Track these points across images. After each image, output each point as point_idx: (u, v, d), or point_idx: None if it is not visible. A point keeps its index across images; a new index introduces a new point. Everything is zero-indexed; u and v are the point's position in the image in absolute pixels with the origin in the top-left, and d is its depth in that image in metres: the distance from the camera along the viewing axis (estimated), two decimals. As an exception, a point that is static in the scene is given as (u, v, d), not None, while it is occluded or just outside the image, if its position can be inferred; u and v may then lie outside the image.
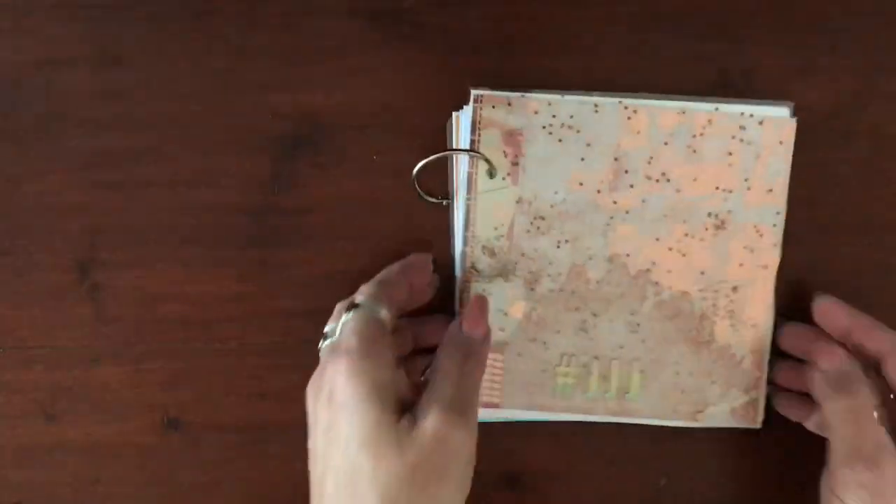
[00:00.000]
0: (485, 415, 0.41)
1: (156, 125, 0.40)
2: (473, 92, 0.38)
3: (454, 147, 0.40)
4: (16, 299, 0.41)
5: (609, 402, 0.41)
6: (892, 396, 0.37)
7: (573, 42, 0.39)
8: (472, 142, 0.39)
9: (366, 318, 0.35)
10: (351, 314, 0.35)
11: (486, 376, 0.39)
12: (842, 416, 0.36)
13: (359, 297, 0.36)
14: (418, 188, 0.40)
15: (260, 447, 0.42)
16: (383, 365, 0.33)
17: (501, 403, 0.41)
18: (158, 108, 0.40)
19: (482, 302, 0.38)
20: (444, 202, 0.40)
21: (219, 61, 0.40)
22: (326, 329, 0.36)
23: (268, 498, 0.42)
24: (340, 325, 0.35)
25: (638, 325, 0.41)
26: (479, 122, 0.39)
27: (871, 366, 0.38)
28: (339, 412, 0.32)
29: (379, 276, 0.38)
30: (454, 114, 0.39)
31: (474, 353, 0.36)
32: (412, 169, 0.39)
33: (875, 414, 0.36)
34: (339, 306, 0.37)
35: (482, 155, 0.39)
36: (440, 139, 0.40)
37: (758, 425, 0.41)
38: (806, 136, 0.40)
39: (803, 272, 0.40)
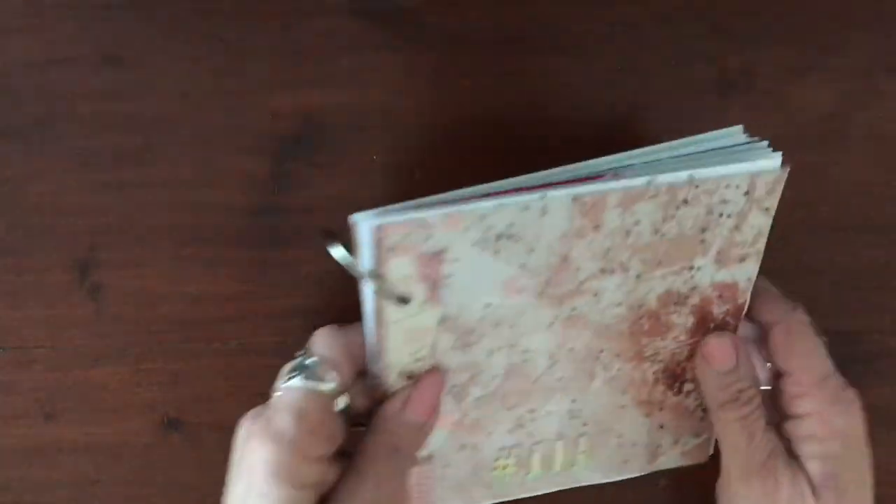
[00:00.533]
0: None
1: (156, 125, 0.40)
2: (373, 222, 0.29)
3: (357, 266, 0.31)
4: (15, 299, 0.41)
5: (553, 478, 0.39)
6: (767, 365, 0.37)
7: (573, 42, 0.39)
8: (377, 275, 0.31)
9: (306, 396, 0.31)
10: (293, 382, 0.31)
11: (412, 491, 0.36)
12: (732, 426, 0.35)
13: (310, 356, 0.32)
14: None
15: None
16: (312, 462, 0.31)
17: None
18: (158, 108, 0.40)
19: (436, 381, 0.33)
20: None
21: (219, 61, 0.40)
22: (278, 381, 0.32)
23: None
24: (281, 390, 0.32)
25: (585, 403, 0.37)
26: (383, 255, 0.30)
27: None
28: (252, 499, 0.30)
29: (344, 330, 0.33)
30: (363, 223, 0.30)
31: (408, 445, 0.32)
32: (412, 169, 0.39)
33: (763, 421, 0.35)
34: (286, 367, 0.33)
35: (388, 292, 0.31)
36: (440, 139, 0.40)
37: (706, 459, 0.41)
38: (806, 137, 0.40)
39: (803, 272, 0.40)
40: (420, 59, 0.40)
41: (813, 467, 0.34)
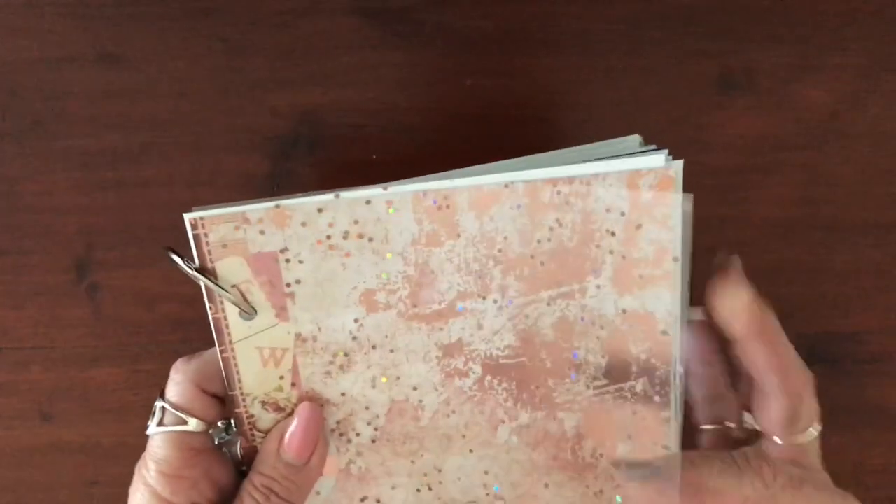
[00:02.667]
0: None
1: (155, 125, 0.40)
2: (189, 216, 0.28)
3: (191, 268, 0.29)
4: (13, 299, 0.40)
5: None
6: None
7: (573, 41, 0.39)
8: (204, 277, 0.29)
9: (166, 442, 0.29)
10: (150, 428, 0.30)
11: None
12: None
13: (169, 389, 0.30)
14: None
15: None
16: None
17: None
18: (158, 107, 0.40)
19: (314, 417, 0.30)
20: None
21: (219, 61, 0.39)
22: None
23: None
24: (148, 431, 0.30)
25: (494, 458, 0.32)
26: (209, 252, 0.28)
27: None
28: None
29: (195, 360, 0.31)
30: (186, 217, 0.29)
31: (286, 490, 0.29)
32: (412, 169, 0.39)
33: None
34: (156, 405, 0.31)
35: (227, 296, 0.28)
36: (440, 139, 0.40)
37: None
38: (806, 136, 0.40)
39: (804, 272, 0.40)
40: (420, 58, 0.39)
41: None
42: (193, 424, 0.30)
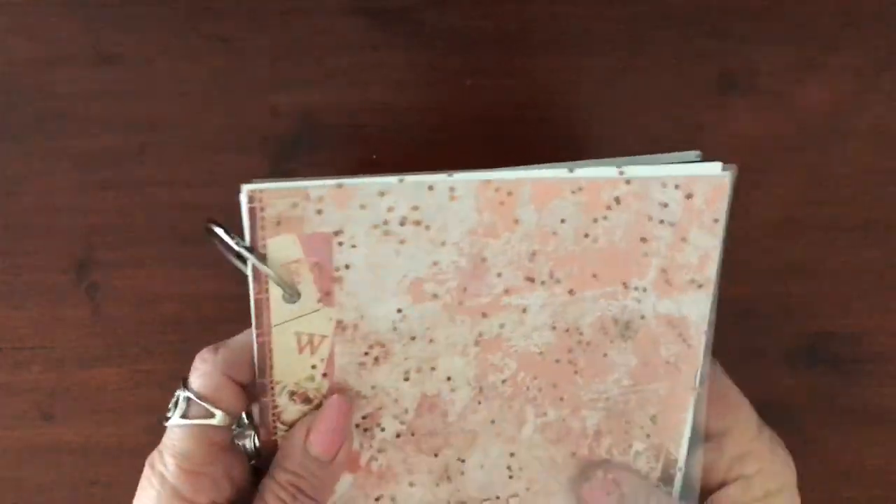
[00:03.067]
0: None
1: (155, 125, 0.40)
2: (247, 187, 0.27)
3: (238, 243, 0.28)
4: (13, 299, 0.40)
5: None
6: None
7: (573, 41, 0.39)
8: (251, 256, 0.28)
9: (188, 435, 0.28)
10: (173, 420, 0.29)
11: None
12: None
13: (194, 379, 0.29)
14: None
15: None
16: None
17: None
18: (158, 108, 0.40)
19: (344, 409, 0.29)
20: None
21: (219, 61, 0.39)
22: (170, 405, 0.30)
23: (267, 499, 0.42)
24: (169, 423, 0.29)
25: (515, 455, 0.32)
26: (263, 228, 0.27)
27: None
28: None
29: (223, 348, 0.30)
30: (243, 188, 0.28)
31: (311, 487, 0.28)
32: (412, 168, 0.39)
33: None
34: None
35: (273, 276, 0.27)
36: (440, 139, 0.40)
37: None
38: (806, 136, 0.40)
39: (804, 272, 0.40)
40: (420, 58, 0.39)
41: None
42: (219, 418, 0.28)
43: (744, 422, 0.32)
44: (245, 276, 0.29)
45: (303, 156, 0.40)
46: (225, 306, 0.41)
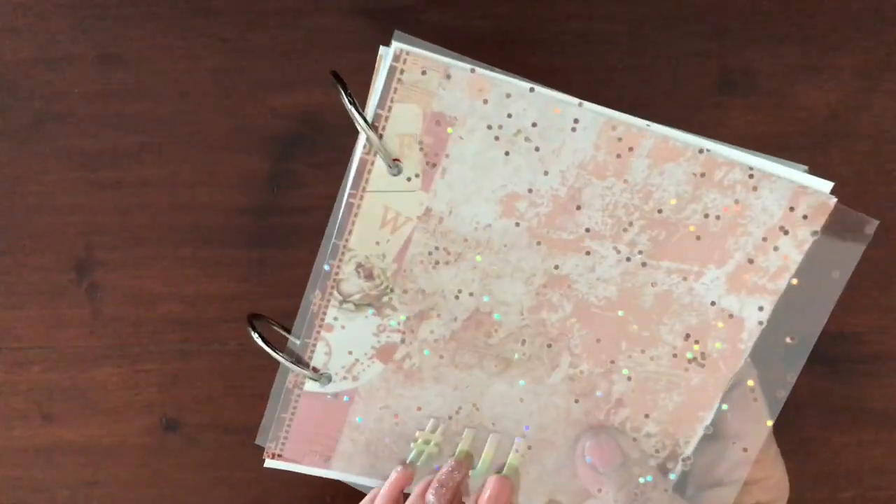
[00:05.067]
0: (304, 470, 0.33)
1: (155, 125, 0.40)
2: (396, 45, 0.27)
3: (360, 112, 0.28)
4: (13, 299, 0.40)
5: (473, 480, 0.33)
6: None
7: (573, 42, 0.39)
8: (378, 117, 0.28)
9: None
10: None
11: (318, 429, 0.32)
12: None
13: None
14: None
15: (259, 448, 0.42)
16: None
17: (332, 464, 0.33)
18: (158, 107, 0.40)
19: (507, 490, 0.29)
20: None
21: (219, 61, 0.39)
22: None
23: (266, 499, 0.42)
24: None
25: (536, 396, 0.32)
26: (395, 91, 0.27)
27: None
28: None
29: None
30: (381, 49, 0.28)
31: None
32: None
33: None
34: None
35: (381, 149, 0.28)
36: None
37: None
38: (806, 136, 0.40)
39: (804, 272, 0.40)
40: (420, 59, 0.40)
41: None
42: None
43: (757, 432, 0.32)
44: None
45: (303, 156, 0.40)
46: (224, 306, 0.41)
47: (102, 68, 0.39)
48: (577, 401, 0.32)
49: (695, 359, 0.31)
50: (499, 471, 0.32)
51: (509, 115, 0.28)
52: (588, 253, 0.30)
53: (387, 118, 0.28)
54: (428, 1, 0.39)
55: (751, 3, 0.39)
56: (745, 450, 0.32)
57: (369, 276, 0.30)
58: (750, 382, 0.32)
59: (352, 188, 0.29)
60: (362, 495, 0.33)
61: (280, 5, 0.39)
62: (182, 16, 0.39)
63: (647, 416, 0.32)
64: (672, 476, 0.33)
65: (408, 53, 0.27)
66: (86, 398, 0.41)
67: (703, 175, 0.29)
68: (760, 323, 0.31)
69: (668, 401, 0.32)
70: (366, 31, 0.39)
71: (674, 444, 0.32)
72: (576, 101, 0.28)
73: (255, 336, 0.30)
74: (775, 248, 0.30)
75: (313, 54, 0.39)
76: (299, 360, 0.31)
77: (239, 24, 0.39)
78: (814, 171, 0.39)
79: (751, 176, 0.29)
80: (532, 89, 0.28)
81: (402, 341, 0.31)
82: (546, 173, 0.29)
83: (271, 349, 0.30)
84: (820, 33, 0.40)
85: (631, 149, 0.29)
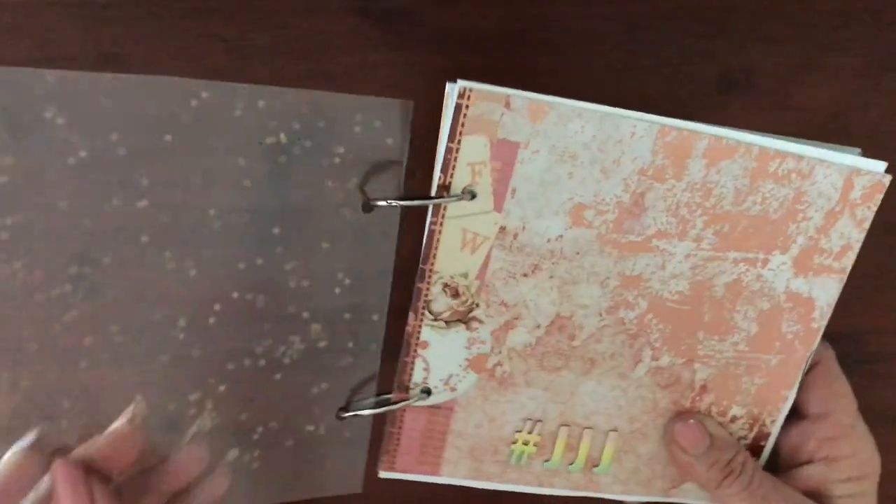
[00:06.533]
0: (416, 478, 0.36)
1: (155, 125, 0.40)
2: (460, 84, 0.30)
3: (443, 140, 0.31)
4: (14, 299, 0.40)
5: (572, 475, 0.36)
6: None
7: (573, 42, 0.39)
8: (449, 150, 0.31)
9: None
10: None
11: (424, 439, 0.35)
12: (740, 501, 0.34)
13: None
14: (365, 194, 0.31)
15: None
16: None
17: (441, 470, 0.36)
18: (158, 107, 0.40)
19: (69, 474, 0.28)
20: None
21: (219, 61, 0.39)
22: None
23: (267, 499, 0.42)
24: None
25: (624, 391, 0.35)
26: (463, 125, 0.30)
27: None
28: None
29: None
30: (448, 87, 0.31)
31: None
32: (412, 169, 0.39)
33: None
34: None
35: (452, 200, 0.31)
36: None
37: None
38: (806, 136, 0.40)
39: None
40: (420, 58, 0.39)
41: None
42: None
43: (843, 409, 0.34)
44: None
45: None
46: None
47: (103, 68, 0.39)
48: (662, 391, 0.35)
49: (772, 345, 0.34)
50: (595, 465, 0.35)
51: (569, 134, 0.30)
52: (657, 252, 0.33)
53: (457, 150, 0.30)
54: (428, 1, 0.39)
55: (751, 3, 0.39)
56: (830, 427, 0.34)
57: (455, 295, 0.33)
58: (825, 360, 0.34)
59: (432, 216, 0.31)
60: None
61: (280, 5, 0.39)
62: (182, 16, 0.39)
63: (731, 399, 0.35)
64: (765, 454, 0.35)
65: (471, 90, 0.30)
66: (87, 398, 0.41)
67: (756, 168, 0.32)
68: (831, 303, 0.34)
69: (749, 384, 0.35)
70: (366, 31, 0.39)
71: (760, 425, 0.35)
72: (629, 112, 0.31)
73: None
74: (836, 230, 0.32)
75: (313, 54, 0.39)
76: (403, 385, 0.35)
77: (239, 24, 0.39)
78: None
79: (804, 163, 0.31)
80: (590, 108, 0.31)
81: (492, 351, 0.34)
82: (609, 182, 0.31)
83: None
84: (820, 33, 0.40)
85: (687, 151, 0.31)
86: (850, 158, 0.32)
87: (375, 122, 0.30)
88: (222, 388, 0.31)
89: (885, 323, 0.41)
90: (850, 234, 0.33)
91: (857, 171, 0.32)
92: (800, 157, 0.31)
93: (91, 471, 0.29)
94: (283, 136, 0.29)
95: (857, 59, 0.40)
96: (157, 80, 0.27)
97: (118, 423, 0.32)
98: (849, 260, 0.33)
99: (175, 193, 0.27)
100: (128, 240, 0.28)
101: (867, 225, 0.32)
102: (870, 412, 0.38)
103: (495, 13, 0.39)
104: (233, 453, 0.33)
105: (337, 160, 0.30)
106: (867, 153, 0.40)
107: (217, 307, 0.30)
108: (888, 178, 0.32)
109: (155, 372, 0.31)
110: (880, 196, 0.32)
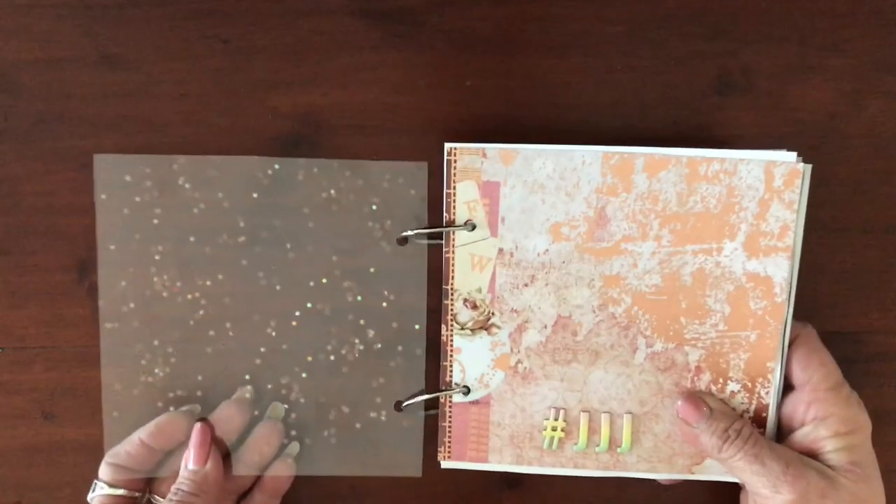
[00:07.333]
0: (470, 466, 0.41)
1: (155, 125, 0.40)
2: (447, 145, 0.38)
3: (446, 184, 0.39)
4: (15, 299, 0.41)
5: (600, 456, 0.40)
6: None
7: (573, 42, 0.40)
8: (448, 195, 0.39)
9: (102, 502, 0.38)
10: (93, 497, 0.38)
11: (471, 430, 0.40)
12: (740, 463, 0.37)
13: (101, 472, 0.39)
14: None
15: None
16: None
17: (488, 458, 0.41)
18: (158, 107, 0.40)
19: (202, 432, 0.39)
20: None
21: (219, 61, 0.40)
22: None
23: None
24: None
25: (629, 377, 0.40)
26: (454, 175, 0.38)
27: None
28: None
29: (116, 449, 0.39)
30: (447, 146, 0.38)
31: (202, 492, 0.37)
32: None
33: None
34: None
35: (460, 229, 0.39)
36: (440, 139, 0.40)
37: None
38: (806, 137, 0.40)
39: (804, 272, 0.40)
40: (420, 58, 0.40)
41: (839, 458, 0.36)
42: (123, 491, 0.39)
43: (823, 375, 0.37)
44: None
45: (303, 156, 0.40)
46: (225, 306, 0.41)
47: (103, 69, 0.40)
48: (663, 374, 0.40)
49: (746, 322, 0.39)
50: (619, 446, 0.40)
51: (535, 170, 0.38)
52: (627, 253, 0.39)
53: (454, 193, 0.39)
54: (428, 2, 0.39)
55: (750, 4, 0.39)
56: (811, 392, 0.37)
57: (474, 307, 0.40)
58: (804, 335, 0.38)
59: (445, 246, 0.39)
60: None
61: (280, 5, 0.39)
62: (182, 16, 0.39)
63: (725, 376, 0.39)
64: (770, 425, 0.39)
65: (455, 148, 0.38)
66: (87, 397, 0.41)
67: (689, 173, 0.38)
68: (786, 277, 0.38)
69: (737, 360, 0.39)
70: (366, 31, 0.39)
71: (758, 397, 0.39)
72: (578, 147, 0.38)
73: None
74: (771, 214, 0.38)
75: (313, 54, 0.39)
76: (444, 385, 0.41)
77: (239, 24, 0.39)
78: (813, 170, 0.40)
79: (728, 164, 0.37)
80: (546, 149, 0.38)
81: (512, 351, 0.40)
82: (574, 203, 0.38)
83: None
84: (819, 33, 0.40)
85: (629, 168, 0.38)
86: (765, 154, 0.37)
87: (399, 178, 0.40)
88: (304, 375, 0.41)
89: (885, 323, 0.41)
90: (785, 216, 0.37)
91: (773, 163, 0.37)
92: (723, 159, 0.37)
93: (213, 435, 0.39)
94: (333, 192, 0.40)
95: (856, 60, 0.40)
96: (243, 158, 0.39)
97: (235, 397, 0.41)
98: (790, 239, 0.38)
99: (262, 233, 0.40)
100: (233, 263, 0.40)
101: (797, 206, 0.37)
102: (870, 412, 0.38)
103: (495, 14, 0.39)
104: (294, 447, 0.41)
105: (374, 207, 0.40)
106: (866, 153, 0.40)
107: (297, 313, 0.40)
108: (802, 165, 0.37)
109: (257, 357, 0.41)
110: (799, 181, 0.37)
